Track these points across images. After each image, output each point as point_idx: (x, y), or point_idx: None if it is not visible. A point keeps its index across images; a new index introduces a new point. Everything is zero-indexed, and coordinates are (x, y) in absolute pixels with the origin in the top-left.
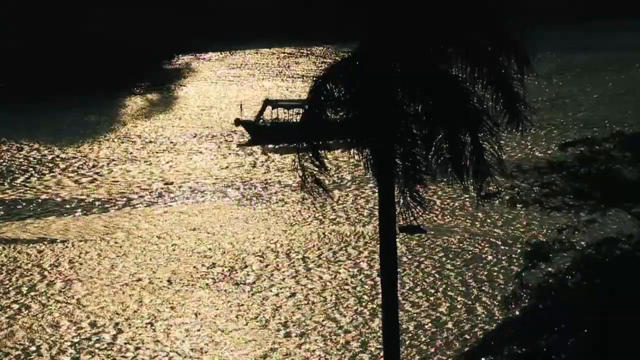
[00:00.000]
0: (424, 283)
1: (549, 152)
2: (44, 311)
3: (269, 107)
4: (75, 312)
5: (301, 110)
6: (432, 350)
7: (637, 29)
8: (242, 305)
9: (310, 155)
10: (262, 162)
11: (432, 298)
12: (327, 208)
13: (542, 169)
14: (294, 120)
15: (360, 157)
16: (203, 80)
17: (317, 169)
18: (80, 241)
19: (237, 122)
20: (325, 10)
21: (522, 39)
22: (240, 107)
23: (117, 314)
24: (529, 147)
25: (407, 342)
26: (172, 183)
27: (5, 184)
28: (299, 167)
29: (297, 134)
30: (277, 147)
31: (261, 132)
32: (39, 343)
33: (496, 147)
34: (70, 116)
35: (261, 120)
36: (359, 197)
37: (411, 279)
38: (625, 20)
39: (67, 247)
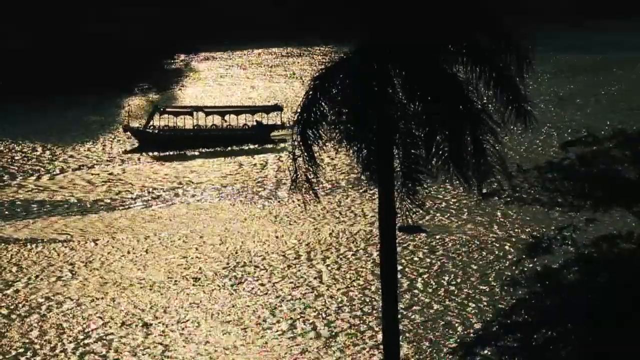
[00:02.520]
0: (424, 283)
1: (549, 152)
2: (57, 310)
3: (157, 114)
4: (86, 312)
5: (189, 117)
6: (433, 349)
7: (637, 29)
8: (264, 305)
9: (305, 155)
10: (272, 161)
11: (432, 298)
12: (335, 207)
13: (542, 169)
14: (183, 127)
15: (358, 159)
16: (203, 80)
17: (310, 168)
18: (90, 240)
19: (125, 128)
20: (324, 10)
21: (522, 39)
22: (129, 113)
23: (128, 314)
24: (529, 147)
25: (407, 342)
26: (187, 183)
27: (5, 183)
28: (291, 167)
29: (185, 140)
30: (166, 154)
31: (149, 139)
32: (54, 343)
33: (497, 146)
34: (70, 116)
35: (150, 127)
36: (365, 196)
37: (411, 279)
38: (626, 20)
39: (72, 246)
